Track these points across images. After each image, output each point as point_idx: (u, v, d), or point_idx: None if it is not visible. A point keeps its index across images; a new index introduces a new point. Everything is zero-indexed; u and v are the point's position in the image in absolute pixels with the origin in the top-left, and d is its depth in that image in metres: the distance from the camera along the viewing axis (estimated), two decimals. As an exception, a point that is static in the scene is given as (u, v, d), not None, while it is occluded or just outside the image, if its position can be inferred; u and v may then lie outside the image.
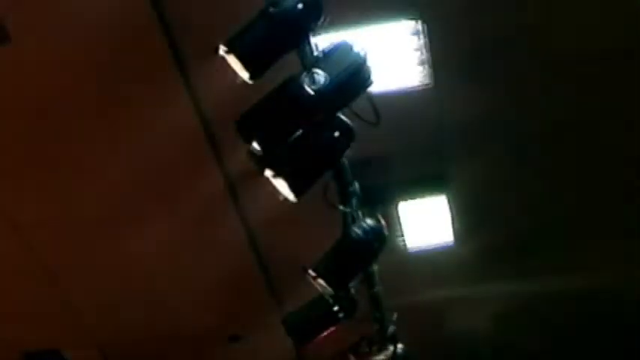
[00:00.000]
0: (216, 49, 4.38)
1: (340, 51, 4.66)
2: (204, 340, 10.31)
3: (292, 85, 4.57)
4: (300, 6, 4.30)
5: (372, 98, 4.78)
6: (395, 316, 7.66)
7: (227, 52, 4.37)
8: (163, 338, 10.12)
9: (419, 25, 6.50)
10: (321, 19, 4.43)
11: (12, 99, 6.56)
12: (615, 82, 7.22)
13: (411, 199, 8.35)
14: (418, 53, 6.77)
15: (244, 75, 4.41)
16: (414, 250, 9.04)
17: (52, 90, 6.55)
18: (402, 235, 8.74)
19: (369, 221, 5.88)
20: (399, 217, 8.46)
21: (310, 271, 5.70)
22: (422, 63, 6.85)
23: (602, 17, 6.54)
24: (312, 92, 4.49)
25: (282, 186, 4.85)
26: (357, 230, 5.81)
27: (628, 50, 6.86)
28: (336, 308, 6.40)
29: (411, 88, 7.05)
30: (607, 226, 9.21)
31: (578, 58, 6.98)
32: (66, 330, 9.83)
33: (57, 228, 8.16)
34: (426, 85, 7.03)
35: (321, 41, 5.00)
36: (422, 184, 8.23)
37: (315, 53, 4.67)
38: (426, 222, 8.66)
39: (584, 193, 8.74)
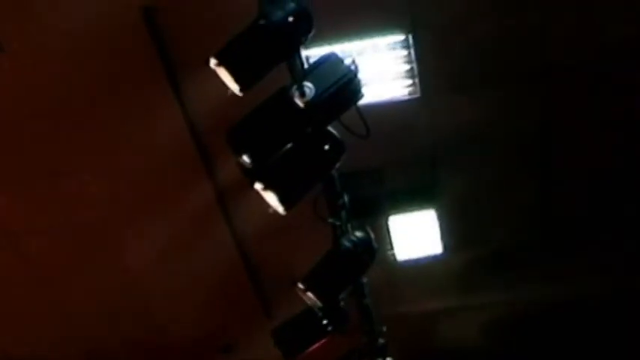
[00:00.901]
0: (207, 61, 4.38)
1: (330, 64, 4.66)
2: (196, 351, 10.29)
3: (282, 98, 4.57)
4: (290, 19, 4.30)
5: (361, 111, 4.78)
6: (384, 328, 7.66)
7: (217, 65, 4.37)
8: (154, 349, 10.09)
9: (407, 38, 6.53)
10: (311, 32, 4.43)
11: (5, 107, 6.57)
12: (610, 88, 7.25)
13: (401, 211, 8.37)
14: (407, 65, 6.80)
15: (234, 87, 4.41)
16: (404, 262, 9.04)
17: (44, 99, 6.56)
18: (392, 248, 8.75)
19: (359, 234, 5.89)
20: (388, 230, 8.47)
21: (299, 285, 5.69)
22: (410, 75, 6.88)
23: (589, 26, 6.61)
24: (301, 105, 4.50)
25: (271, 199, 4.84)
26: (346, 243, 5.81)
27: (620, 53, 6.90)
28: (325, 321, 6.40)
29: (400, 100, 7.07)
30: (594, 237, 9.24)
31: (570, 66, 7.02)
32: (55, 339, 9.80)
33: (48, 236, 8.15)
34: (415, 97, 7.06)
35: (312, 54, 5.02)
36: (411, 196, 8.24)
37: (305, 66, 4.67)
38: (415, 234, 8.67)
39: (573, 206, 8.77)
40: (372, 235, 5.96)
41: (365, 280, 6.64)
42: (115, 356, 10.21)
